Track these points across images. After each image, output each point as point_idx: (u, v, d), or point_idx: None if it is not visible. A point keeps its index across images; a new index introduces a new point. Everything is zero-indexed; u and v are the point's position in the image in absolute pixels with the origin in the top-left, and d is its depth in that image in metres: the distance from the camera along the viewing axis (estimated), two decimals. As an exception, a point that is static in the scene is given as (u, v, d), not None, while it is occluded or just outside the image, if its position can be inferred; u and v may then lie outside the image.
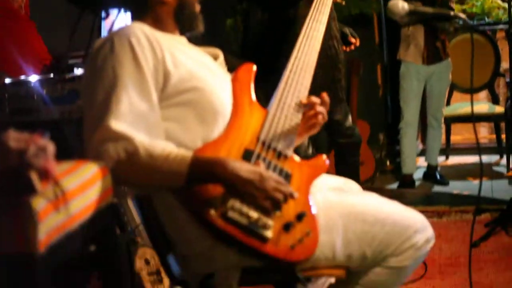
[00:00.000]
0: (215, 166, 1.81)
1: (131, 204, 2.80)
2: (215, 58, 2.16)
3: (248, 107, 2.09)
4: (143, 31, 1.87)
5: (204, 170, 1.81)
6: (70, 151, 2.15)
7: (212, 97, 1.95)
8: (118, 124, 1.77)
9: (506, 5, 6.67)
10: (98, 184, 1.70)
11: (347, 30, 3.55)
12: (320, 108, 2.17)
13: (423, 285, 3.29)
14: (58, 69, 2.71)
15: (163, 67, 1.87)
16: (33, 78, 2.59)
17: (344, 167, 4.04)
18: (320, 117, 2.18)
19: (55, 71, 2.70)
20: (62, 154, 1.67)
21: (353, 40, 3.45)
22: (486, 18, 6.76)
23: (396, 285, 2.11)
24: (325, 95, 2.21)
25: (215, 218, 1.84)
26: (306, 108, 2.17)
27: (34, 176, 1.47)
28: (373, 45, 5.92)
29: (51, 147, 1.57)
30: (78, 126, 2.38)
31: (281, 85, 2.20)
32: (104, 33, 2.42)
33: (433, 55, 5.21)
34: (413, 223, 2.07)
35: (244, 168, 1.83)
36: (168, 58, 1.88)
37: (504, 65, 5.83)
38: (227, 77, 2.13)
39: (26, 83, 2.48)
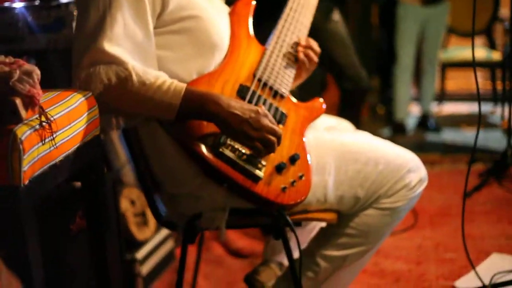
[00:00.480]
0: (209, 102, 1.74)
1: (117, 141, 2.72)
2: None
3: (245, 41, 2.03)
4: None
5: (197, 105, 1.74)
6: (55, 82, 2.05)
7: (210, 28, 1.87)
8: (112, 47, 1.69)
9: None
10: (85, 115, 1.64)
11: None
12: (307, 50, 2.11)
13: (414, 234, 3.26)
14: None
15: None
16: (18, 4, 2.47)
17: (347, 114, 3.95)
18: (304, 57, 2.11)
19: (41, -3, 2.58)
20: (48, 86, 1.58)
21: None
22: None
23: (389, 227, 2.06)
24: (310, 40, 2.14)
25: (206, 153, 1.78)
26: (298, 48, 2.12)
27: (19, 103, 1.38)
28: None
29: (37, 72, 1.48)
30: (64, 57, 2.28)
31: (280, 22, 2.14)
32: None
33: (431, -6, 5.11)
34: (406, 162, 2.02)
35: (239, 106, 1.76)
36: None
37: (504, 11, 5.72)
38: (225, 9, 2.06)
39: (10, 9, 2.36)
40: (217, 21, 1.92)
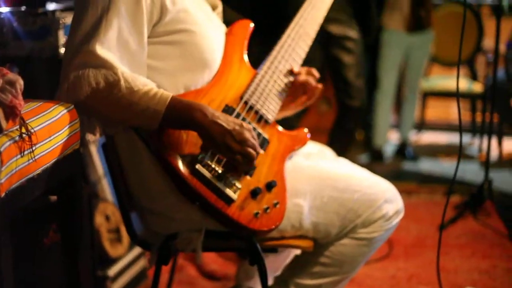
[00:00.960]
0: (194, 110, 1.72)
1: (95, 154, 2.69)
2: (214, 8, 2.07)
3: (237, 64, 2.02)
4: None
5: (182, 113, 1.72)
6: (38, 91, 2.02)
7: (203, 44, 1.86)
8: (104, 50, 1.68)
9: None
10: (66, 128, 1.62)
11: None
12: (307, 78, 2.12)
13: (388, 264, 3.23)
14: (30, 2, 2.56)
15: (161, 1, 1.76)
16: (3, 9, 2.44)
17: (340, 131, 3.97)
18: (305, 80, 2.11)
19: (27, 3, 2.55)
20: (29, 95, 1.55)
21: None
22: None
23: (364, 257, 2.05)
24: (313, 69, 2.14)
25: (181, 168, 1.76)
26: (295, 77, 2.11)
27: (0, 113, 1.35)
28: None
29: (20, 82, 1.46)
30: (48, 65, 2.25)
31: (276, 48, 2.13)
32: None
33: (416, 23, 5.14)
34: (383, 192, 2.01)
35: (223, 117, 1.75)
36: None
37: (487, 41, 5.77)
38: (223, 28, 2.04)
39: (-5, 14, 2.33)
40: (212, 39, 1.91)
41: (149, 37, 1.78)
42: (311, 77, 2.12)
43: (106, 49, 1.68)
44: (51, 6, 2.48)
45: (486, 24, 5.73)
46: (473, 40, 5.68)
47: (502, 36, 5.05)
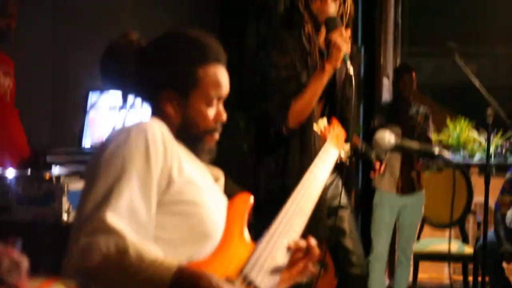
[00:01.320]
0: (201, 279, 1.72)
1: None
2: (216, 179, 2.10)
3: (237, 237, 2.03)
4: (161, 131, 1.82)
5: (188, 281, 1.71)
6: (39, 259, 2.03)
7: (207, 217, 1.89)
8: (114, 219, 1.69)
9: (482, 139, 6.83)
10: None
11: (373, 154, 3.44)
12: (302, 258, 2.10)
13: None
14: (35, 165, 2.64)
15: (169, 173, 1.81)
16: (10, 173, 2.50)
17: None
18: (301, 265, 2.10)
19: (33, 166, 2.63)
20: (31, 264, 1.57)
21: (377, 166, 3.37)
22: (461, 151, 6.87)
23: None
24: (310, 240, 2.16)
25: None
26: (293, 253, 2.10)
27: (4, 293, 1.37)
28: (348, 170, 5.93)
29: (25, 263, 1.48)
30: (51, 232, 2.28)
31: (275, 222, 2.14)
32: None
33: (407, 185, 5.25)
34: None
35: (227, 286, 1.75)
36: (175, 165, 1.82)
37: (477, 198, 5.86)
38: (224, 200, 2.08)
39: (1, 178, 2.38)
40: (215, 211, 1.94)
41: (157, 206, 1.80)
42: (310, 257, 2.14)
43: (118, 217, 1.70)
44: (56, 171, 2.55)
45: (475, 183, 5.83)
46: (463, 201, 5.76)
47: (492, 194, 5.16)
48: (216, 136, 2.01)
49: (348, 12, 3.05)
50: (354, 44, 3.18)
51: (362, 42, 6.48)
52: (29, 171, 2.54)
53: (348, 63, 2.85)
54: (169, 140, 1.83)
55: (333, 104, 3.08)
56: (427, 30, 11.26)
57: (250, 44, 4.83)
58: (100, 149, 1.83)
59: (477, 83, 3.38)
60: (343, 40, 2.83)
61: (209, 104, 1.94)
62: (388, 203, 5.23)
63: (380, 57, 6.32)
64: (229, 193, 2.13)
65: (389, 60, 6.58)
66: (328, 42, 2.84)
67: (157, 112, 1.94)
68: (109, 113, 3.16)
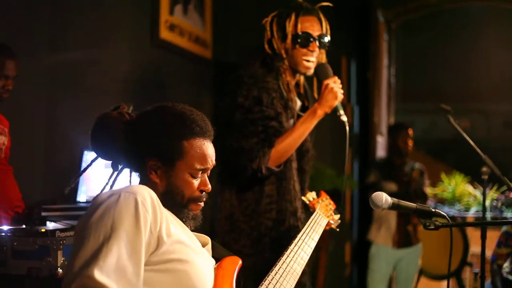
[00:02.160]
0: None
1: None
2: (204, 244, 2.13)
3: None
4: (149, 194, 1.87)
5: None
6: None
7: (195, 274, 1.92)
8: (102, 276, 1.73)
9: (477, 192, 6.86)
10: None
11: None
12: None
13: None
14: (29, 220, 2.65)
15: (158, 234, 1.85)
16: (4, 227, 2.51)
17: None
18: None
19: (27, 221, 2.64)
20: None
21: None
22: (456, 204, 6.89)
23: None
24: None
25: None
26: None
27: None
28: (343, 222, 5.94)
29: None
30: (46, 286, 2.28)
31: (264, 284, 2.16)
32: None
33: (404, 239, 5.25)
34: None
35: None
36: (164, 227, 1.87)
37: (474, 249, 5.85)
38: (212, 262, 2.11)
39: (-4, 232, 2.40)
40: (203, 270, 1.96)
41: (145, 264, 1.83)
42: None
43: (105, 275, 1.73)
44: (50, 226, 2.55)
45: (471, 235, 5.84)
46: (459, 253, 5.76)
47: (488, 245, 5.15)
48: (201, 204, 2.06)
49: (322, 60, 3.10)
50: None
51: (356, 102, 6.57)
52: (23, 226, 2.54)
53: (341, 109, 2.90)
54: (158, 203, 1.88)
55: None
56: (421, 87, 11.40)
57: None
58: (90, 209, 1.88)
59: (471, 141, 3.42)
60: (338, 87, 2.89)
61: (194, 175, 2.01)
62: (385, 256, 5.23)
63: (374, 116, 6.39)
64: (217, 256, 2.16)
65: (383, 118, 6.66)
66: (324, 88, 2.90)
67: (143, 179, 2.02)
68: (104, 170, 3.19)
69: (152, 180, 1.99)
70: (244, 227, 2.95)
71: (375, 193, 2.53)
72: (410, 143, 5.46)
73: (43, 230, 2.44)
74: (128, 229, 1.79)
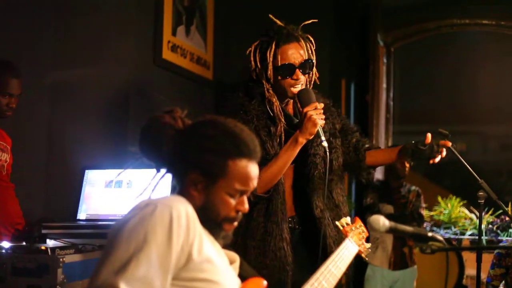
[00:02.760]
0: None
1: None
2: (232, 262, 2.12)
3: None
4: (185, 210, 1.85)
5: None
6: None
7: None
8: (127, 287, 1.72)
9: (472, 216, 6.88)
10: None
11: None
12: None
13: None
14: (30, 237, 2.67)
15: (189, 250, 1.83)
16: (5, 244, 2.54)
17: None
18: None
19: (27, 239, 2.66)
20: None
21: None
22: (452, 227, 6.91)
23: None
24: None
25: None
26: None
27: None
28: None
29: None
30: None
31: None
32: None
33: (400, 260, 5.27)
34: None
35: None
36: (196, 244, 1.85)
37: (469, 271, 5.87)
38: (238, 282, 2.08)
39: (-3, 250, 2.43)
40: None
41: (173, 279, 1.82)
42: None
43: (131, 286, 1.72)
44: (51, 243, 2.58)
45: (467, 258, 5.86)
46: (455, 275, 5.79)
47: (483, 267, 5.18)
48: (235, 224, 2.03)
49: (312, 81, 3.12)
50: (328, 99, 3.22)
51: (354, 124, 6.60)
52: (23, 243, 2.57)
53: (322, 136, 2.89)
54: (193, 219, 1.86)
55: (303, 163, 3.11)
56: (418, 109, 11.45)
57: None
58: (126, 216, 1.86)
59: (468, 166, 3.45)
60: (318, 114, 2.88)
61: (232, 195, 1.97)
62: (380, 277, 5.25)
63: (372, 138, 6.43)
64: (244, 275, 2.16)
65: (381, 140, 6.69)
66: (304, 116, 2.89)
67: (182, 190, 1.98)
68: (104, 189, 3.21)
69: (190, 193, 1.96)
70: (235, 247, 2.99)
71: (373, 217, 2.56)
72: (407, 166, 5.49)
73: (43, 247, 2.47)
74: (160, 243, 1.78)
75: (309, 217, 3.05)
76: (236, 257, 2.15)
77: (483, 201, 3.47)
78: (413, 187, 5.56)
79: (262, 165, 2.84)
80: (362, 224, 2.81)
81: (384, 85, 6.80)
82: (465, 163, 3.44)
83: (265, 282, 2.11)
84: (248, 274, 2.14)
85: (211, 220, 1.98)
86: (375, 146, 3.34)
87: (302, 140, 2.89)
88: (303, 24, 3.05)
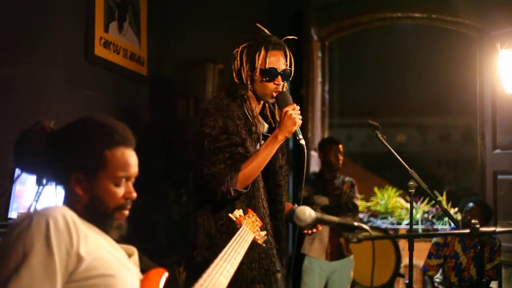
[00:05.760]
0: None
1: None
2: (130, 255, 2.14)
3: None
4: (63, 216, 1.86)
5: None
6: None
7: (119, 286, 1.92)
8: None
9: (409, 205, 7.04)
10: None
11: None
12: None
13: None
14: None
15: (76, 252, 1.85)
16: None
17: None
18: None
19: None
20: None
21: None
22: (389, 217, 7.05)
23: None
24: None
25: None
26: None
27: None
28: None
29: None
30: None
31: None
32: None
33: (336, 251, 5.36)
34: None
35: None
36: (82, 245, 1.86)
37: (406, 261, 5.99)
38: (137, 274, 2.11)
39: None
40: (128, 283, 1.97)
41: (66, 282, 1.84)
42: None
43: None
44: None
45: (404, 247, 5.98)
46: (392, 265, 5.90)
47: (420, 256, 5.30)
48: (126, 212, 2.06)
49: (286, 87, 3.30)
50: None
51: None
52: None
53: (299, 134, 3.10)
54: (72, 222, 1.87)
55: (267, 173, 3.26)
56: (358, 102, 11.63)
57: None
58: (6, 235, 1.86)
59: (397, 156, 3.55)
60: (296, 114, 3.08)
61: (117, 184, 2.01)
62: (318, 269, 5.33)
63: (308, 132, 6.49)
64: (144, 268, 2.19)
65: (317, 134, 6.77)
66: (284, 115, 3.08)
67: (67, 193, 2.01)
68: (35, 186, 3.20)
69: (76, 194, 1.98)
70: (221, 243, 3.04)
71: (298, 208, 2.62)
72: (341, 158, 5.59)
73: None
74: (40, 253, 1.79)
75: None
76: (134, 250, 2.18)
77: (413, 190, 3.58)
78: (347, 178, 5.66)
79: (242, 162, 3.05)
80: (255, 214, 2.91)
81: (320, 79, 6.88)
82: (395, 154, 3.54)
83: (166, 273, 2.16)
84: (148, 266, 2.18)
85: (101, 214, 2.00)
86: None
87: (281, 138, 3.09)
88: (284, 38, 3.26)
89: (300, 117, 3.12)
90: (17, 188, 3.24)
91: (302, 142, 3.10)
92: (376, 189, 7.55)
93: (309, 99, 6.50)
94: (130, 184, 2.05)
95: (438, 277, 5.24)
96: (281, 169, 3.32)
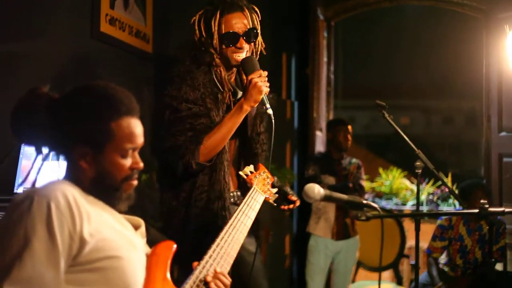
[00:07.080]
0: None
1: None
2: (136, 228, 2.11)
3: (160, 284, 2.04)
4: (65, 196, 1.81)
5: None
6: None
7: (125, 268, 1.89)
8: None
9: (413, 187, 7.03)
10: None
11: (288, 189, 3.41)
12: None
13: None
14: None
15: (80, 235, 1.81)
16: None
17: None
18: None
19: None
20: None
21: (294, 198, 3.31)
22: (394, 198, 7.05)
23: None
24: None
25: None
26: None
27: None
28: (283, 215, 6.03)
29: None
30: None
31: (198, 268, 2.18)
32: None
33: (342, 231, 5.35)
34: None
35: None
36: (85, 227, 1.82)
37: (411, 242, 6.00)
38: (145, 249, 2.08)
39: None
40: (133, 262, 1.94)
41: (71, 266, 1.81)
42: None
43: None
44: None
45: (408, 228, 5.98)
46: (396, 246, 5.90)
47: (425, 238, 5.29)
48: (134, 182, 2.00)
49: (259, 51, 3.16)
50: (273, 93, 3.25)
51: (296, 97, 6.66)
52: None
53: (267, 103, 2.94)
54: (75, 203, 1.82)
55: (245, 140, 3.17)
56: (362, 84, 11.57)
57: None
58: (6, 214, 1.82)
59: (405, 136, 3.51)
60: (263, 81, 2.92)
61: (124, 156, 1.94)
62: (323, 248, 5.32)
63: (313, 112, 6.47)
64: (152, 239, 2.15)
65: (322, 114, 6.75)
66: (248, 83, 2.92)
67: (71, 166, 1.94)
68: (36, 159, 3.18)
69: (80, 167, 1.91)
70: (179, 215, 2.99)
71: (308, 185, 2.59)
72: (350, 139, 5.58)
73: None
74: (42, 237, 1.75)
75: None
76: (141, 222, 2.13)
77: (420, 171, 3.54)
78: (354, 160, 5.65)
79: (206, 132, 2.88)
80: (266, 171, 2.81)
81: (325, 59, 6.85)
82: (402, 134, 3.51)
83: (174, 245, 2.11)
84: (156, 237, 2.14)
85: (109, 187, 1.95)
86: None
87: (246, 108, 2.92)
88: None
89: (267, 84, 2.95)
90: (23, 163, 3.22)
91: (270, 111, 2.93)
92: (381, 170, 7.54)
93: (315, 79, 6.48)
94: (136, 154, 1.99)
95: (443, 259, 5.24)
96: (258, 136, 3.19)
